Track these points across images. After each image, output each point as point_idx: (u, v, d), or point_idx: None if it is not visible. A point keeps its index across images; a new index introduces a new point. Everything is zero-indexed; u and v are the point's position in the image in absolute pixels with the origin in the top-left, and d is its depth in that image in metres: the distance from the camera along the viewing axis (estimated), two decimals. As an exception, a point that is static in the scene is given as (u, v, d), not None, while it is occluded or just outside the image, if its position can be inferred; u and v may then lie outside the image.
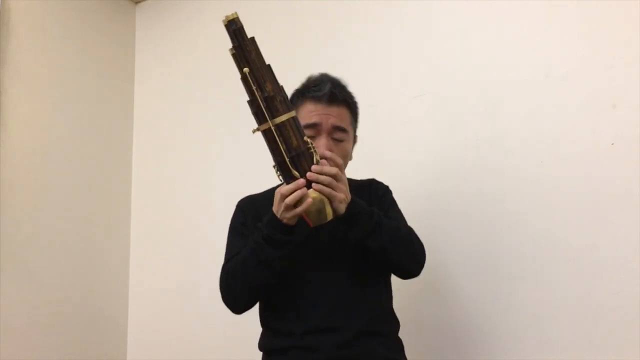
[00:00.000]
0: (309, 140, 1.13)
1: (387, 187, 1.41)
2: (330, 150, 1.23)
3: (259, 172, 1.81)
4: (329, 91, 1.28)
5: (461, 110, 1.76)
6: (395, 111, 1.89)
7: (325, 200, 1.11)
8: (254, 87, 1.12)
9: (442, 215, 1.75)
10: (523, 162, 1.64)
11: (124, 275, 2.48)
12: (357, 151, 1.88)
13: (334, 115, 1.28)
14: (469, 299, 1.68)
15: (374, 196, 1.35)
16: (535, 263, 1.59)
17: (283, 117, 1.11)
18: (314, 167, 1.11)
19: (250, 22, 2.26)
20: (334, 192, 1.11)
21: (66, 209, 2.29)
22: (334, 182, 1.11)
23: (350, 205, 1.14)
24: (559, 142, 1.59)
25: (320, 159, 1.13)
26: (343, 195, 1.12)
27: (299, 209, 1.11)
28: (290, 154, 1.11)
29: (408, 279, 1.32)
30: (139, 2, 2.70)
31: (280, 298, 1.26)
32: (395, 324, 1.33)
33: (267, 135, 1.13)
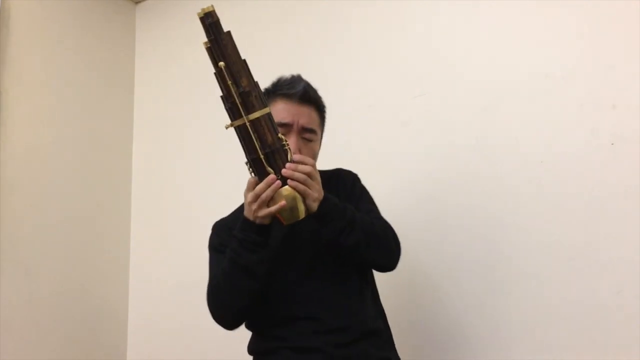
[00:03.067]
0: (283, 137, 1.13)
1: (355, 176, 1.40)
2: (299, 150, 1.24)
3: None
4: (302, 89, 1.28)
5: (461, 110, 1.76)
6: (395, 111, 1.89)
7: (298, 197, 1.11)
8: (229, 82, 1.11)
9: (441, 215, 1.75)
10: (523, 162, 1.64)
11: (124, 275, 2.48)
12: (357, 151, 1.89)
13: (304, 115, 1.27)
14: (468, 299, 1.68)
15: (341, 188, 1.33)
16: (535, 263, 1.58)
17: (258, 113, 1.11)
18: (288, 165, 1.11)
19: (249, 23, 2.28)
20: (308, 190, 1.11)
21: (66, 208, 2.29)
22: (308, 179, 1.11)
23: (322, 203, 1.14)
24: (558, 142, 1.59)
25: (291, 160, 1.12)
26: (316, 194, 1.12)
27: (273, 208, 1.11)
28: (265, 151, 1.11)
29: (384, 272, 1.33)
30: (139, 2, 2.70)
31: (265, 300, 1.25)
32: (383, 321, 1.32)
33: (242, 132, 1.12)
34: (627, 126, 1.50)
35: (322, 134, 1.37)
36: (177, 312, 2.32)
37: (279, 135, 1.12)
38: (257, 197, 1.11)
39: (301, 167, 1.11)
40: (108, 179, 2.48)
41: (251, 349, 1.31)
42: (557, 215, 1.57)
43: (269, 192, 1.10)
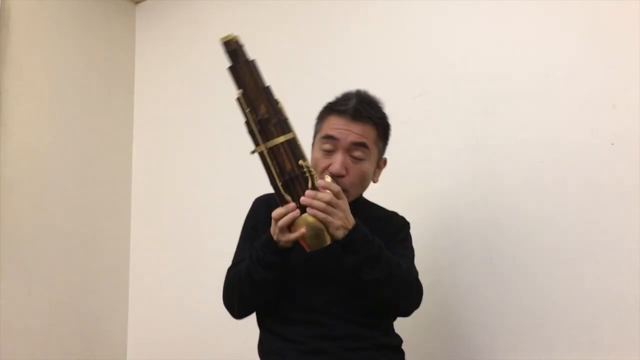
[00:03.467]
0: (304, 164, 1.11)
1: (406, 224, 1.37)
2: (347, 168, 1.22)
3: (259, 172, 1.80)
4: (353, 106, 1.24)
5: (461, 110, 1.76)
6: (395, 111, 1.88)
7: (322, 226, 1.09)
8: (247, 110, 1.11)
9: (441, 215, 1.75)
10: (523, 162, 1.64)
11: (124, 275, 2.48)
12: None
13: (355, 132, 1.23)
14: (468, 299, 1.68)
15: (388, 230, 1.30)
16: (535, 263, 1.58)
17: (276, 141, 1.10)
18: (307, 192, 1.09)
19: (249, 23, 2.28)
20: (328, 218, 1.09)
21: (66, 208, 2.29)
22: (328, 207, 1.08)
23: (351, 232, 1.12)
24: (559, 142, 1.59)
25: (314, 186, 1.10)
26: (339, 222, 1.10)
27: (292, 235, 1.10)
28: (284, 178, 1.10)
29: (400, 316, 1.31)
30: (139, 2, 2.70)
31: (279, 302, 1.26)
32: (396, 334, 1.32)
33: (261, 158, 1.12)
34: (627, 126, 1.50)
35: (379, 152, 1.31)
36: (177, 313, 2.32)
37: (300, 162, 1.10)
38: (276, 222, 1.10)
39: (320, 195, 1.09)
40: (108, 179, 2.48)
41: (260, 350, 1.31)
42: (557, 215, 1.57)
43: (286, 219, 1.09)
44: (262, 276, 1.16)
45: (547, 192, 1.59)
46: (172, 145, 2.49)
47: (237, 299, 1.24)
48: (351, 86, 2.01)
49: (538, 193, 1.60)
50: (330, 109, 1.28)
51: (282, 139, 1.10)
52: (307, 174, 1.11)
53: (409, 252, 1.32)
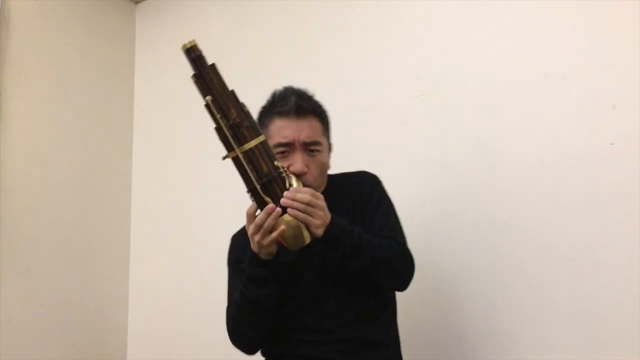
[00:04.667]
0: (279, 164, 1.12)
1: (374, 181, 1.35)
2: (307, 165, 1.23)
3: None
4: (294, 104, 1.24)
5: (461, 110, 1.76)
6: (395, 111, 1.89)
7: (301, 224, 1.10)
8: (217, 116, 1.12)
9: (441, 215, 1.75)
10: (523, 162, 1.64)
11: (124, 275, 2.48)
12: (357, 150, 1.89)
13: (304, 129, 1.25)
14: (468, 299, 1.68)
15: (359, 194, 1.31)
16: (535, 263, 1.58)
17: (251, 144, 1.10)
18: (286, 194, 1.09)
19: (248, 22, 2.28)
20: (308, 218, 1.09)
21: (66, 209, 2.29)
22: (308, 207, 1.09)
23: (329, 228, 1.12)
24: (559, 142, 1.59)
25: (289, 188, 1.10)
26: (319, 221, 1.10)
27: (274, 234, 1.10)
28: (262, 181, 1.10)
29: (396, 291, 1.33)
30: (139, 2, 2.70)
31: (278, 308, 1.26)
32: (394, 332, 1.32)
33: (236, 163, 1.12)
34: (627, 126, 1.50)
35: (329, 140, 1.33)
36: (177, 313, 2.32)
37: (276, 163, 1.11)
38: (258, 227, 1.10)
39: (299, 196, 1.09)
40: (108, 179, 2.48)
41: (263, 352, 1.32)
42: (557, 215, 1.57)
43: (270, 220, 1.09)
44: (256, 295, 1.17)
45: (547, 192, 1.59)
46: (172, 145, 2.49)
47: (241, 330, 1.25)
48: (352, 86, 2.02)
49: (538, 193, 1.60)
50: (271, 112, 1.28)
51: (255, 142, 1.11)
52: (284, 174, 1.12)
53: (390, 217, 1.31)
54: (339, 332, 1.21)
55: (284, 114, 1.25)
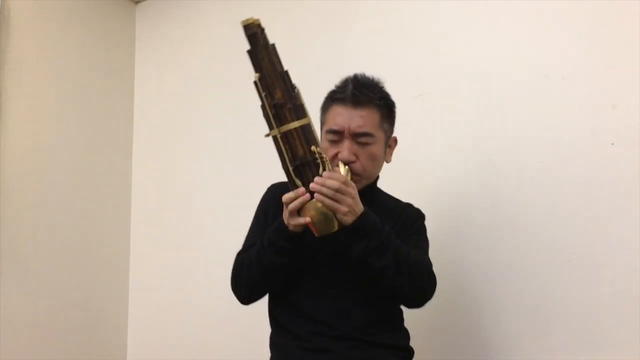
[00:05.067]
0: (317, 150, 1.12)
1: (422, 215, 1.37)
2: (356, 154, 1.22)
3: (259, 172, 1.81)
4: (350, 93, 1.24)
5: (461, 110, 1.76)
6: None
7: (330, 212, 1.11)
8: (263, 94, 1.12)
9: (441, 215, 1.74)
10: (523, 162, 1.64)
11: (124, 275, 2.48)
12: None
13: (356, 119, 1.23)
14: (468, 299, 1.68)
15: (403, 218, 1.31)
16: (535, 263, 1.58)
17: (290, 126, 1.11)
18: (316, 179, 1.10)
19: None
20: (335, 204, 1.10)
21: (66, 208, 2.29)
22: (337, 194, 1.09)
23: (359, 218, 1.12)
24: (559, 142, 1.59)
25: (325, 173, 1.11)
26: (346, 208, 1.10)
27: (301, 219, 1.11)
28: (295, 163, 1.11)
29: (410, 307, 1.30)
30: (139, 2, 2.70)
31: (288, 298, 1.27)
32: (402, 338, 1.32)
33: (275, 142, 1.13)
34: (627, 126, 1.50)
35: (386, 133, 1.31)
36: (177, 313, 2.32)
37: (313, 148, 1.12)
38: (286, 205, 1.12)
39: (329, 182, 1.09)
40: (108, 179, 2.48)
41: (270, 342, 1.32)
42: (557, 215, 1.57)
43: (296, 203, 1.10)
44: (271, 260, 1.18)
45: (547, 192, 1.59)
46: (172, 145, 2.49)
47: (245, 283, 1.26)
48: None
49: (538, 193, 1.60)
50: (331, 98, 1.29)
51: (296, 124, 1.11)
52: (319, 160, 1.12)
53: (424, 244, 1.32)
54: (341, 328, 1.21)
55: (340, 101, 1.26)
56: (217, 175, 2.31)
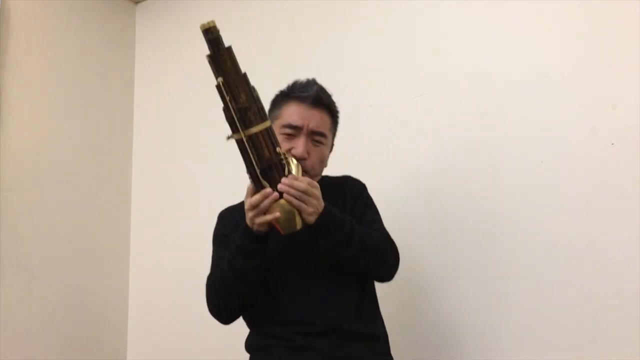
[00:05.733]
0: (281, 151, 1.14)
1: (362, 185, 1.41)
2: (308, 152, 1.26)
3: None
4: (314, 93, 1.29)
5: (461, 110, 1.76)
6: (395, 111, 1.89)
7: (296, 211, 1.14)
8: (227, 98, 1.13)
9: (441, 215, 1.75)
10: (523, 162, 1.64)
11: (124, 275, 2.48)
12: (357, 151, 1.89)
13: (315, 118, 1.29)
14: (467, 300, 1.68)
15: (348, 195, 1.36)
16: (535, 263, 1.58)
17: (256, 129, 1.12)
18: (284, 180, 1.12)
19: (249, 22, 2.28)
20: (303, 205, 1.13)
21: (66, 208, 2.29)
22: (304, 195, 1.13)
23: (321, 215, 1.16)
24: (558, 142, 1.59)
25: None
26: (312, 209, 1.14)
27: (268, 217, 1.13)
28: (262, 166, 1.13)
29: (381, 282, 1.34)
30: (139, 2, 2.70)
31: (264, 300, 1.27)
32: (380, 325, 1.33)
33: (239, 146, 1.14)
34: (627, 126, 1.50)
35: (333, 138, 1.38)
36: (177, 312, 2.32)
37: (277, 149, 1.14)
38: (253, 206, 1.14)
39: (296, 183, 1.12)
40: (108, 179, 2.48)
41: (247, 345, 1.33)
42: (557, 215, 1.57)
43: (265, 202, 1.13)
44: (242, 265, 1.19)
45: (547, 192, 1.59)
46: (172, 144, 2.49)
47: (221, 298, 1.27)
48: (353, 86, 2.02)
49: (538, 193, 1.60)
50: (289, 96, 1.31)
51: (261, 127, 1.12)
52: (284, 161, 1.14)
53: (377, 216, 1.37)
54: (322, 323, 1.22)
55: (301, 99, 1.29)
56: (217, 175, 2.31)
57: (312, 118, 1.28)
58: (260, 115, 1.14)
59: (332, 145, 1.39)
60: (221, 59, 1.14)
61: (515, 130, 1.66)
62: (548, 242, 1.57)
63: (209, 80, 2.68)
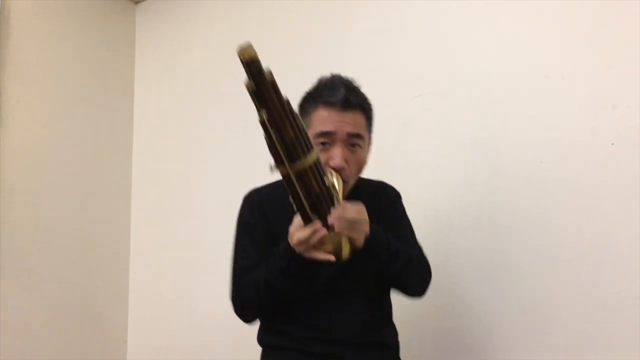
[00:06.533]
0: (329, 182, 1.09)
1: (398, 194, 1.41)
2: (346, 160, 1.20)
3: (258, 171, 1.80)
4: (343, 97, 1.21)
5: (461, 110, 1.76)
6: (395, 111, 1.89)
7: (344, 240, 1.11)
8: (272, 132, 1.01)
9: (441, 215, 1.75)
10: (523, 162, 1.64)
11: (124, 275, 2.48)
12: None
13: (348, 122, 1.21)
14: (468, 300, 1.68)
15: (384, 202, 1.35)
16: (535, 263, 1.58)
17: (304, 163, 1.02)
18: (334, 214, 1.07)
19: (249, 23, 2.27)
20: (354, 235, 1.10)
21: (66, 208, 2.29)
22: (354, 225, 1.09)
23: (368, 239, 1.13)
24: (559, 142, 1.59)
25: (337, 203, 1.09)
26: (362, 237, 1.11)
27: (320, 256, 1.09)
28: (311, 199, 1.05)
29: (412, 298, 1.34)
30: (139, 2, 2.70)
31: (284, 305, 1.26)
32: (393, 332, 1.35)
33: (285, 179, 1.05)
34: (627, 126, 1.50)
35: (370, 135, 1.31)
36: (177, 313, 2.32)
37: (325, 180, 1.07)
38: (301, 242, 1.07)
39: (347, 215, 1.08)
40: (108, 179, 2.48)
41: (262, 341, 1.32)
42: (557, 215, 1.57)
43: (314, 239, 1.07)
44: (283, 285, 1.17)
45: (547, 192, 1.59)
46: (172, 145, 2.49)
47: (254, 307, 1.25)
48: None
49: (538, 193, 1.60)
50: (316, 100, 1.24)
51: (309, 160, 1.03)
52: (332, 190, 1.10)
53: (410, 229, 1.37)
54: (340, 331, 1.22)
55: (330, 104, 1.21)
56: (217, 174, 2.32)
57: (344, 122, 1.20)
58: (307, 147, 1.04)
59: (371, 141, 1.32)
60: (265, 91, 0.99)
61: (515, 130, 1.66)
62: (548, 242, 1.57)
63: (209, 80, 2.68)
